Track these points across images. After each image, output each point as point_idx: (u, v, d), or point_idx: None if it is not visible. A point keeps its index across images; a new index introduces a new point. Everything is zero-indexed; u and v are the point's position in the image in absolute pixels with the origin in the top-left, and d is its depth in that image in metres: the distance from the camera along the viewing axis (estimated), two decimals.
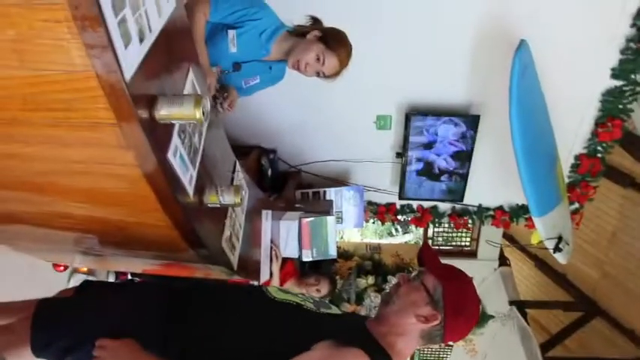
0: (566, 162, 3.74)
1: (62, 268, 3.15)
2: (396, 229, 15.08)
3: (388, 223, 4.09)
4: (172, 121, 1.29)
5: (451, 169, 3.68)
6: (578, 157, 3.74)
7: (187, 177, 1.48)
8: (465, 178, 3.73)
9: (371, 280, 3.99)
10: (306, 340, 1.44)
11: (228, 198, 1.63)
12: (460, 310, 1.52)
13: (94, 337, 1.53)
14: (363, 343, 1.43)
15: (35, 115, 1.23)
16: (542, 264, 6.61)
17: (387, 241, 13.62)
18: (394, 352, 1.49)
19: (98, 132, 1.24)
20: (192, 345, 1.53)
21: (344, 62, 2.45)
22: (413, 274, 1.62)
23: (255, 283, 2.38)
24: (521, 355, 5.12)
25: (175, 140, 1.38)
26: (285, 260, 2.89)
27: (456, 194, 3.80)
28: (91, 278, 3.33)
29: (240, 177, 2.11)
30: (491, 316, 4.47)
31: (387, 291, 1.65)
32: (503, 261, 6.40)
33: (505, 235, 6.44)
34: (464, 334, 1.58)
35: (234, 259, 1.96)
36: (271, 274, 2.62)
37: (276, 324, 1.56)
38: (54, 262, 2.95)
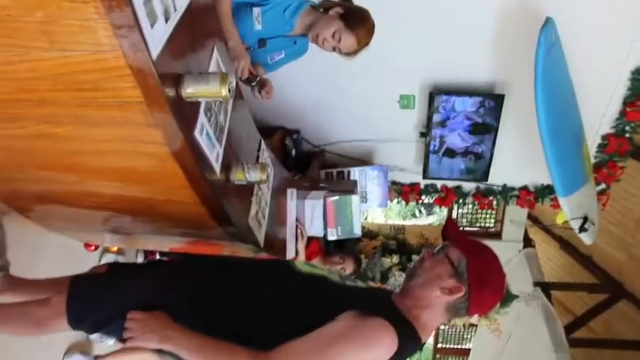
0: (593, 142, 3.69)
1: (93, 247, 3.21)
2: (420, 211, 15.05)
3: (412, 204, 4.08)
4: (199, 99, 1.31)
5: (468, 145, 3.65)
6: (605, 137, 3.68)
7: (214, 154, 1.50)
8: (487, 156, 3.70)
9: (395, 259, 4.00)
10: (331, 310, 1.47)
11: (254, 175, 1.65)
12: (485, 282, 1.52)
13: (127, 311, 1.57)
14: (387, 314, 1.45)
15: (64, 96, 1.25)
16: (568, 245, 6.53)
17: (411, 222, 13.58)
18: (419, 325, 1.50)
19: (126, 111, 1.26)
20: (221, 318, 1.57)
21: (362, 42, 2.46)
22: (437, 248, 1.62)
23: None
24: (545, 336, 5.09)
25: (202, 118, 1.40)
26: (310, 239, 2.91)
27: (478, 173, 3.78)
28: (120, 258, 3.41)
29: (266, 155, 2.13)
30: (516, 296, 4.45)
31: (412, 265, 1.65)
32: (527, 242, 6.33)
33: (530, 217, 6.37)
34: (489, 307, 1.59)
35: (260, 237, 1.99)
36: (297, 253, 2.64)
37: (303, 296, 1.58)
38: (85, 241, 3.01)
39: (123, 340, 1.63)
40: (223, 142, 1.59)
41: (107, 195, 1.67)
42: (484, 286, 1.52)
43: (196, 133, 1.37)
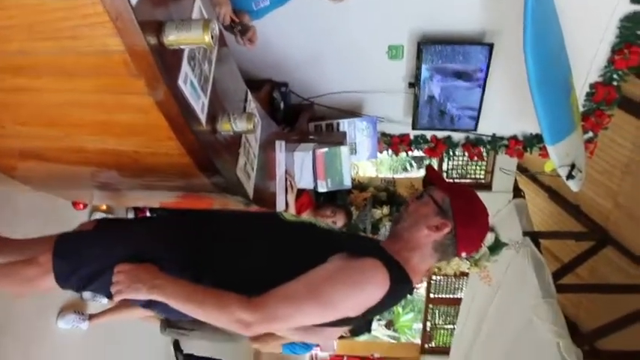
0: (581, 90, 3.67)
1: (82, 206, 3.19)
2: (411, 165, 15.11)
3: (403, 157, 4.08)
4: (181, 47, 1.28)
5: (458, 95, 3.62)
6: (593, 86, 3.66)
7: (199, 104, 1.48)
8: (476, 106, 3.67)
9: (386, 210, 4.02)
10: (321, 254, 1.48)
11: (240, 125, 1.63)
12: (469, 217, 1.55)
13: (113, 265, 1.58)
14: (378, 255, 1.46)
15: (42, 45, 1.22)
16: (556, 195, 6.60)
17: (402, 176, 13.64)
18: (409, 268, 1.51)
19: (107, 60, 1.23)
20: (209, 267, 1.57)
21: None
22: (420, 192, 1.63)
23: None
24: (534, 284, 5.19)
25: (185, 67, 1.37)
26: (300, 191, 2.91)
27: (469, 123, 3.76)
28: (110, 217, 3.40)
29: (253, 106, 2.10)
30: (505, 244, 4.51)
31: (398, 212, 1.67)
32: (517, 193, 6.39)
33: (519, 168, 6.42)
34: (476, 244, 1.60)
35: (249, 189, 1.98)
36: (287, 205, 2.64)
37: (292, 242, 1.59)
38: (73, 200, 2.99)
39: (111, 297, 1.64)
40: (208, 92, 1.56)
41: (92, 149, 1.65)
42: (469, 222, 1.54)
43: (180, 82, 1.34)
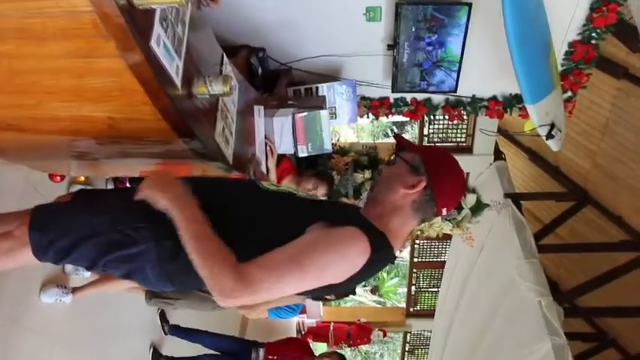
0: (560, 49, 3.66)
1: (59, 178, 3.13)
2: (392, 130, 15.13)
3: (384, 121, 4.06)
4: (152, 6, 1.25)
5: (437, 56, 3.60)
6: (571, 45, 3.66)
7: (173, 67, 1.45)
8: (455, 67, 3.66)
9: (368, 174, 4.01)
10: (301, 223, 1.46)
11: (217, 87, 1.60)
12: (442, 170, 1.55)
13: (92, 236, 1.56)
14: (358, 223, 1.45)
15: (6, 7, 1.18)
16: (536, 157, 6.65)
17: (383, 141, 13.67)
18: (390, 233, 1.50)
19: (75, 21, 1.20)
20: None
21: None
22: (391, 158, 1.63)
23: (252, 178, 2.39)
24: (516, 245, 5.26)
25: (157, 28, 1.34)
26: (281, 157, 2.89)
27: (449, 85, 3.75)
28: (88, 188, 3.35)
29: (229, 69, 2.07)
30: (487, 205, 4.55)
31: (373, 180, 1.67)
32: (498, 155, 6.43)
33: (499, 131, 6.44)
34: (455, 198, 1.60)
35: (228, 154, 1.97)
36: (267, 170, 2.63)
37: (271, 211, 1.58)
38: (50, 172, 2.94)
39: (90, 268, 1.64)
40: (183, 54, 1.53)
41: (66, 117, 1.62)
42: (443, 174, 1.54)
43: (153, 43, 1.31)
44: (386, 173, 1.59)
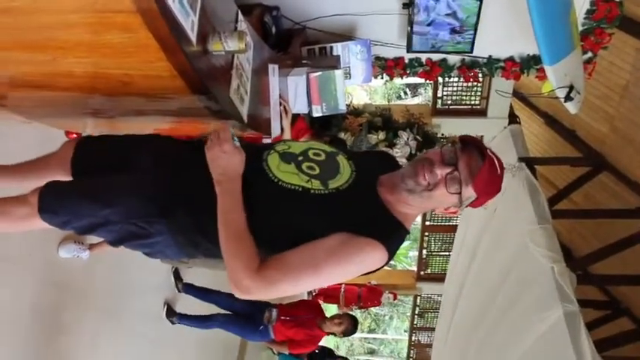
0: (580, 8, 3.57)
1: (75, 135, 3.15)
2: (405, 93, 15.00)
3: (397, 84, 4.01)
4: None
5: (454, 16, 3.52)
6: (594, 2, 3.56)
7: (189, 23, 1.43)
8: (472, 26, 3.58)
9: (382, 135, 4.00)
10: (318, 228, 1.48)
11: (232, 44, 1.59)
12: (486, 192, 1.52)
13: (106, 223, 1.64)
14: (381, 233, 1.48)
15: None
16: (552, 121, 6.56)
17: (396, 103, 13.57)
18: (407, 218, 1.57)
19: None
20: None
21: None
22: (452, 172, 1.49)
23: (268, 140, 2.38)
24: (529, 210, 5.22)
25: None
26: (295, 117, 2.88)
27: (465, 45, 3.68)
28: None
29: (244, 26, 2.05)
30: None
31: (418, 180, 1.50)
32: (513, 119, 6.35)
33: (515, 94, 6.35)
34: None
35: (243, 111, 1.96)
36: (282, 130, 2.62)
37: (285, 211, 1.54)
38: (66, 129, 2.95)
39: (114, 243, 1.71)
40: (198, 10, 1.51)
41: (81, 73, 1.61)
42: (485, 195, 1.53)
43: None
44: (437, 195, 1.49)
